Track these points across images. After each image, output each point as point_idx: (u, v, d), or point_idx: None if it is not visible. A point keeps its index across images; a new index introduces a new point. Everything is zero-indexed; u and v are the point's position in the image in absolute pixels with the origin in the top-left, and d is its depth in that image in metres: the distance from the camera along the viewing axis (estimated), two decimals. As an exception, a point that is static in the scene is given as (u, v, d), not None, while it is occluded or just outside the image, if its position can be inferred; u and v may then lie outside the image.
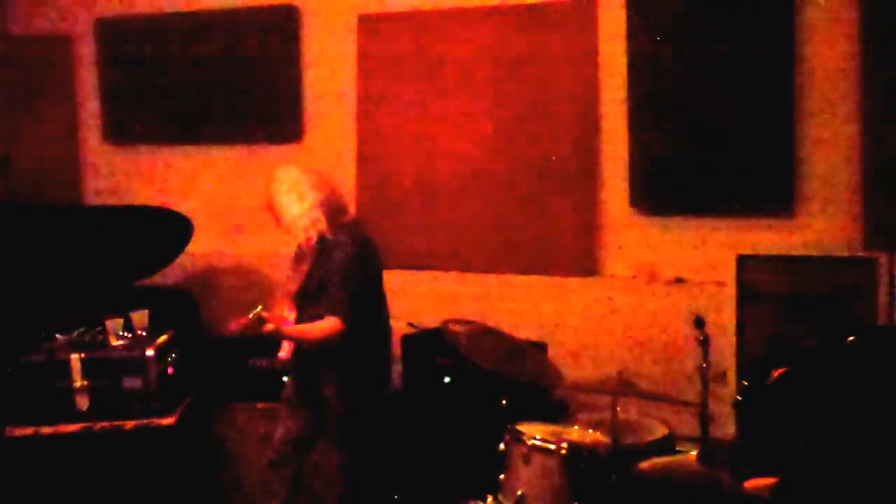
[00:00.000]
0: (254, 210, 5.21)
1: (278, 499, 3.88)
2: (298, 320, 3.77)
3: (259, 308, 3.54)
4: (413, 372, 4.63)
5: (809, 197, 4.36)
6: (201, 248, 5.09)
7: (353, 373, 3.74)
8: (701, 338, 3.52)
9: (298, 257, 3.87)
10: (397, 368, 4.71)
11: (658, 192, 4.60)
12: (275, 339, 3.88)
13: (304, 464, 4.00)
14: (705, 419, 3.47)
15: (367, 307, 3.72)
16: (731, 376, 4.28)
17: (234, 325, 3.56)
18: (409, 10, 4.98)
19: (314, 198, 3.71)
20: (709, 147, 4.46)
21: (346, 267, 3.65)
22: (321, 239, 3.71)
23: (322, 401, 3.79)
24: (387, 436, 4.33)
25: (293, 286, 3.80)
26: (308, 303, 3.73)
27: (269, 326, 3.55)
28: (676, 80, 4.49)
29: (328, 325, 3.61)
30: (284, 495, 3.88)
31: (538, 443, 3.42)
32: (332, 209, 3.75)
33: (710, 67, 4.43)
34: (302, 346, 3.79)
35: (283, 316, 3.75)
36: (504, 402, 3.64)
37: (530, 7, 4.76)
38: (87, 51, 5.53)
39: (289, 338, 3.75)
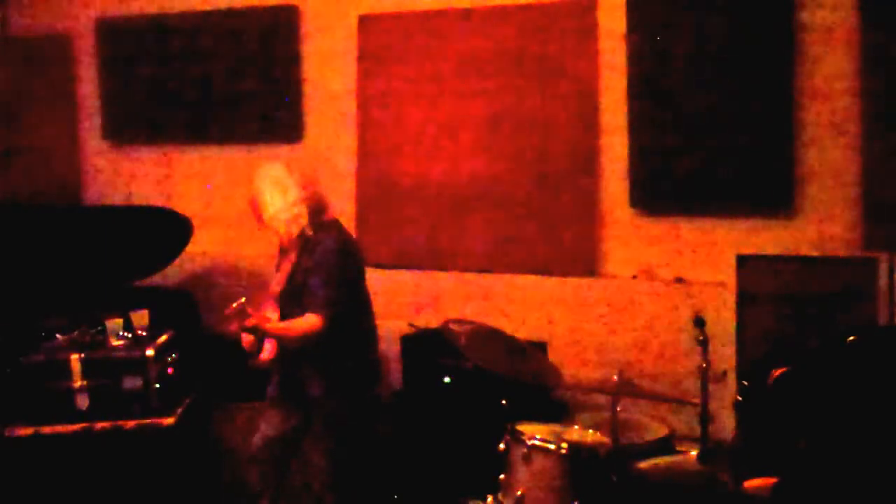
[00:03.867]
0: (254, 210, 5.24)
1: (264, 497, 3.88)
2: (283, 319, 3.77)
3: (243, 299, 3.52)
4: (413, 372, 4.63)
5: (809, 197, 4.36)
6: (201, 248, 5.10)
7: (337, 372, 3.74)
8: (701, 338, 3.52)
9: (282, 255, 3.88)
10: (397, 368, 4.73)
11: (658, 192, 4.60)
12: (260, 339, 3.86)
13: (301, 463, 3.99)
14: (705, 419, 3.47)
15: (350, 306, 3.72)
16: (731, 376, 4.28)
17: (228, 323, 3.54)
18: (409, 10, 4.98)
19: (297, 193, 3.71)
20: (709, 147, 4.45)
21: (328, 265, 3.65)
22: (303, 237, 3.71)
23: (308, 400, 3.79)
24: (386, 435, 4.34)
25: (276, 287, 3.81)
26: (291, 302, 3.73)
27: (252, 320, 3.54)
28: (676, 80, 4.49)
29: (308, 322, 3.61)
30: (270, 493, 3.88)
31: (538, 443, 3.42)
32: (315, 207, 3.74)
33: (710, 67, 4.43)
34: (283, 344, 3.77)
35: (267, 316, 3.74)
36: (504, 402, 3.64)
37: (530, 7, 4.76)
38: (87, 51, 5.54)
39: (270, 334, 3.71)
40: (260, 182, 3.76)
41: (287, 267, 3.78)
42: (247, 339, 3.75)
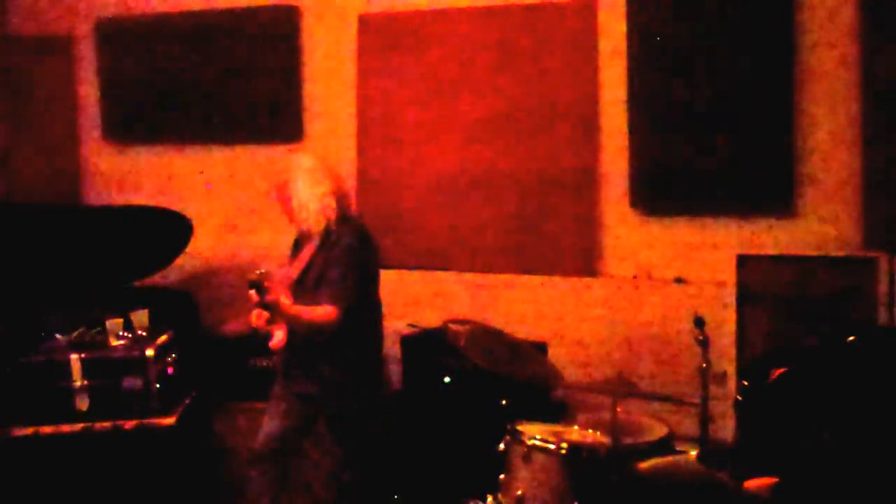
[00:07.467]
0: (253, 210, 5.24)
1: (266, 496, 3.87)
2: None
3: (264, 270, 3.48)
4: (413, 372, 4.63)
5: (809, 197, 4.36)
6: (201, 248, 5.10)
7: (342, 369, 3.74)
8: (701, 338, 3.52)
9: (297, 247, 3.88)
10: (397, 368, 4.72)
11: (658, 192, 4.60)
12: (267, 331, 3.84)
13: (301, 462, 3.99)
14: (705, 419, 3.47)
15: (363, 304, 3.73)
16: (731, 376, 4.28)
17: (249, 292, 3.47)
18: (409, 10, 4.98)
19: (329, 186, 3.76)
20: (709, 147, 4.45)
21: (348, 259, 3.68)
22: (326, 230, 3.73)
23: (311, 399, 3.79)
24: (386, 435, 4.33)
25: (292, 274, 3.81)
26: (305, 292, 3.73)
27: (271, 296, 3.48)
28: (676, 80, 4.49)
29: (324, 311, 3.61)
30: (271, 493, 3.88)
31: (538, 443, 3.42)
32: (342, 201, 3.80)
33: (709, 67, 4.43)
34: (294, 329, 3.73)
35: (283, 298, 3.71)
36: (504, 402, 3.64)
37: (530, 7, 4.76)
38: (87, 51, 5.53)
39: (285, 314, 3.64)
40: (294, 170, 3.80)
41: (304, 258, 3.80)
42: (260, 316, 3.72)
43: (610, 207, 4.70)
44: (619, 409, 3.48)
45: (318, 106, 5.21)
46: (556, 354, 4.45)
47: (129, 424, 4.12)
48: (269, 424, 3.89)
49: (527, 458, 3.41)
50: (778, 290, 4.33)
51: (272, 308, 3.54)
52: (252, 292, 3.45)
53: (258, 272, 3.45)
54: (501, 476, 3.49)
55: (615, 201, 4.68)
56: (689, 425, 3.81)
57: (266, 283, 3.45)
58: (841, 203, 4.30)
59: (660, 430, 3.85)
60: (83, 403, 4.13)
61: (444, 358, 4.36)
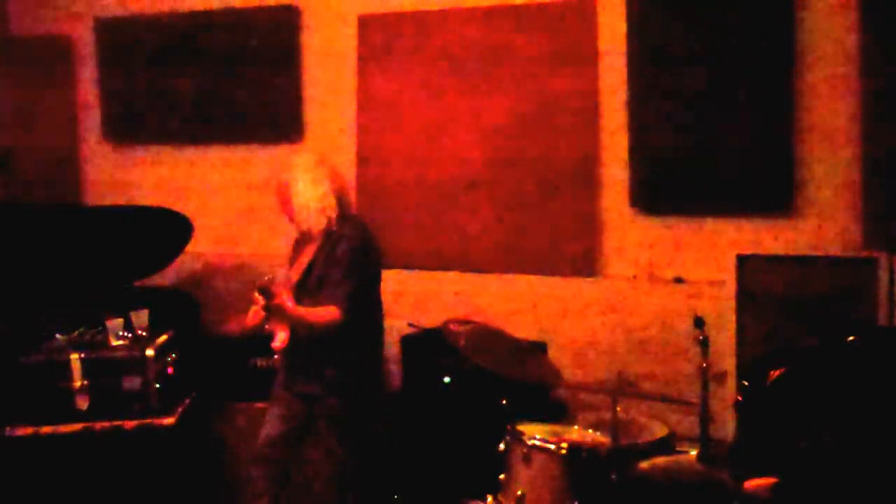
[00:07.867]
0: (253, 210, 5.24)
1: (266, 496, 3.87)
2: None
3: (271, 276, 3.49)
4: (413, 372, 4.63)
5: (809, 197, 4.36)
6: (201, 248, 5.10)
7: (344, 369, 3.74)
8: (701, 338, 3.52)
9: (298, 248, 3.88)
10: (397, 368, 4.73)
11: (658, 192, 4.60)
12: (269, 331, 3.84)
13: (301, 462, 3.98)
14: (705, 419, 3.47)
15: (365, 303, 3.73)
16: (731, 376, 4.28)
17: (257, 295, 3.49)
18: (409, 10, 4.98)
19: (329, 185, 3.76)
20: (709, 147, 4.46)
21: (350, 259, 3.68)
22: (327, 230, 3.73)
23: (312, 399, 3.79)
24: (386, 435, 4.34)
25: (294, 276, 3.81)
26: (308, 293, 3.73)
27: (277, 300, 3.48)
28: (676, 80, 4.49)
29: (328, 313, 3.61)
30: (272, 493, 3.88)
31: (538, 443, 3.43)
32: (342, 201, 3.80)
33: (709, 67, 4.43)
34: (298, 331, 3.73)
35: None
36: (504, 402, 3.64)
37: (530, 7, 4.76)
38: (87, 51, 5.54)
39: (291, 316, 3.63)
40: (294, 170, 3.80)
41: (305, 258, 3.80)
42: (256, 314, 3.71)
43: (610, 207, 4.70)
44: (619, 409, 3.48)
45: (318, 106, 5.21)
46: (556, 354, 4.45)
47: (129, 424, 4.12)
48: (270, 424, 3.89)
49: (527, 458, 3.41)
50: (778, 290, 4.33)
51: (277, 311, 3.55)
52: (258, 296, 3.47)
53: (267, 278, 3.47)
54: (501, 476, 3.50)
55: (615, 201, 4.68)
56: (689, 425, 3.81)
57: (272, 288, 3.47)
58: (841, 203, 4.30)
59: (660, 430, 3.84)
60: (83, 403, 4.13)
61: (444, 358, 4.36)
